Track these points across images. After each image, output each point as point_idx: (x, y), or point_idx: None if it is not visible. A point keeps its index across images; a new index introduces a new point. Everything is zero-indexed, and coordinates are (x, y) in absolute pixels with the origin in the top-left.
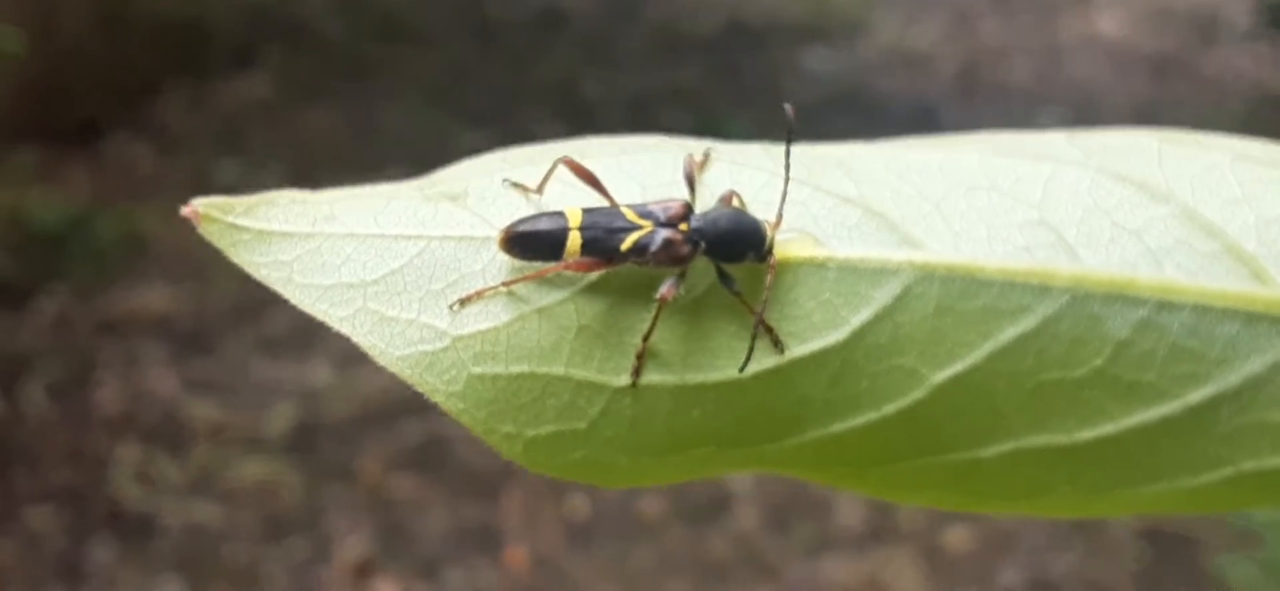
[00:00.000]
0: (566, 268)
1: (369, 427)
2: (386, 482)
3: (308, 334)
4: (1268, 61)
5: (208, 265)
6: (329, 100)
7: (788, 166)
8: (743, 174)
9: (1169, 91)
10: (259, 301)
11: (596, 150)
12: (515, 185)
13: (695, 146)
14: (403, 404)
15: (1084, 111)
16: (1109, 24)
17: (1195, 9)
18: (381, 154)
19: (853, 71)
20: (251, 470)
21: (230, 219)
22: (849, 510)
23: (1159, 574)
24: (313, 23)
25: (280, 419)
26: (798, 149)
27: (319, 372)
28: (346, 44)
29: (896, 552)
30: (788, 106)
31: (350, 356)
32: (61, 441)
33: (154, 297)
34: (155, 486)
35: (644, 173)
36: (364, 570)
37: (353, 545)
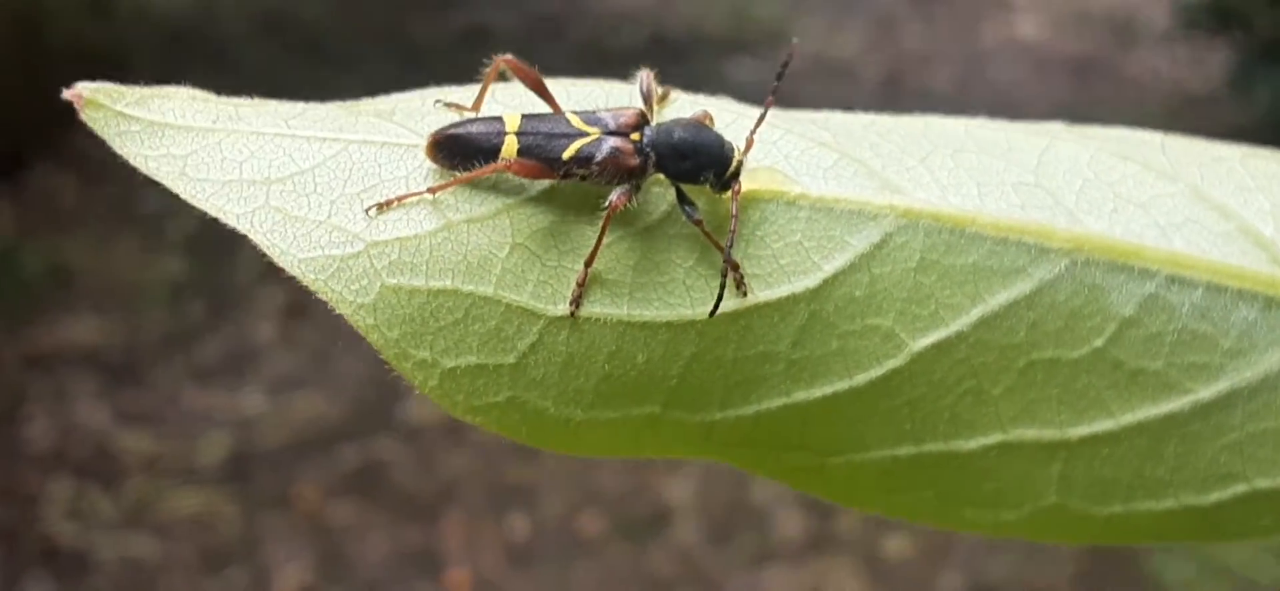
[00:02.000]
0: (500, 169)
1: (305, 454)
2: (324, 509)
3: (240, 361)
4: (1186, 62)
5: (136, 295)
6: None
7: (769, 100)
8: (708, 108)
9: (1090, 93)
10: (190, 330)
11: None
12: (449, 104)
13: (650, 72)
14: (339, 429)
15: (1007, 115)
16: (1029, 28)
17: (1113, 11)
18: None
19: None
20: (187, 501)
21: (119, 107)
22: (789, 521)
23: (1098, 577)
24: (232, 47)
25: (214, 448)
26: (768, 110)
27: (252, 400)
28: (267, 68)
29: (837, 562)
30: (795, 41)
31: (284, 383)
32: None
33: (82, 329)
34: (89, 521)
35: (595, 101)
36: None
37: (292, 574)
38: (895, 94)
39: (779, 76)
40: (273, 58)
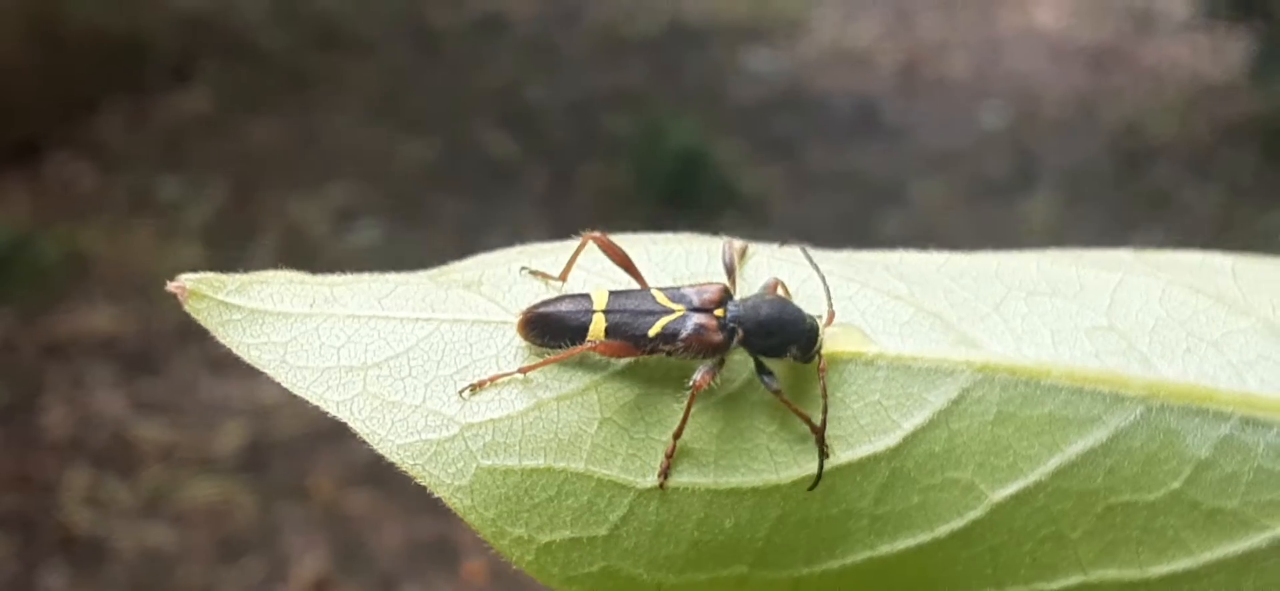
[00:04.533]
0: (588, 349)
1: (321, 444)
2: (341, 499)
3: None
4: (1205, 51)
5: (152, 283)
6: (269, 112)
7: (814, 264)
8: (783, 268)
9: (1107, 82)
10: None
11: (626, 242)
12: (535, 272)
13: (731, 241)
14: None
15: (1024, 104)
16: (1047, 16)
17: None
18: (324, 164)
19: (793, 71)
20: (203, 490)
21: (221, 296)
22: None
23: None
24: (250, 35)
25: (231, 438)
26: (840, 254)
27: (269, 390)
28: (285, 55)
29: None
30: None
31: None
32: (9, 467)
33: (99, 318)
34: (106, 510)
35: (676, 262)
36: (321, 588)
37: (309, 563)
38: (912, 84)
39: (818, 268)
40: (289, 46)
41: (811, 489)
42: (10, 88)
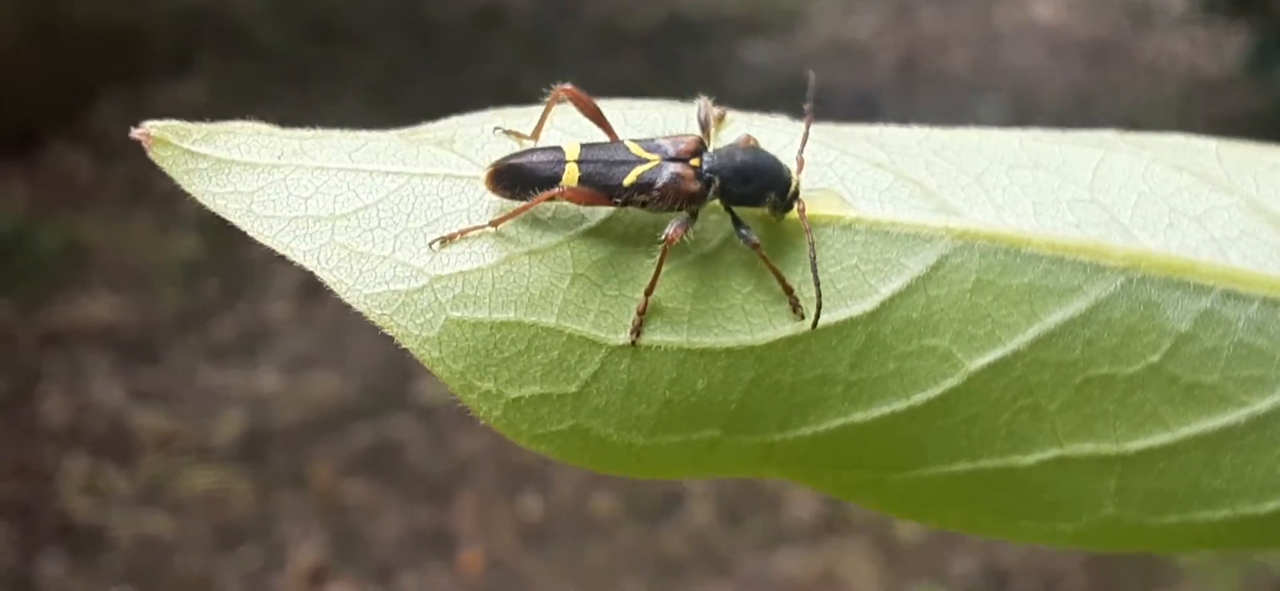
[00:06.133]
0: (559, 196)
1: (319, 433)
2: (338, 488)
3: (254, 340)
4: (1203, 46)
5: (151, 273)
6: (267, 105)
7: (807, 115)
8: (762, 133)
9: (1106, 77)
10: (205, 308)
11: (602, 106)
12: (508, 131)
13: (707, 100)
14: (353, 409)
15: (1023, 99)
16: (1045, 11)
17: None
18: None
19: (792, 63)
20: (201, 479)
21: (187, 144)
22: (802, 503)
23: (1110, 560)
24: (248, 26)
25: (229, 426)
26: (820, 125)
27: (267, 379)
28: (283, 47)
29: (850, 544)
30: (811, 74)
31: (298, 361)
32: (8, 455)
33: (97, 307)
34: (104, 498)
35: (653, 125)
36: (318, 577)
37: (306, 552)
38: (911, 77)
39: (808, 104)
40: (288, 38)
41: (814, 327)
42: (9, 78)
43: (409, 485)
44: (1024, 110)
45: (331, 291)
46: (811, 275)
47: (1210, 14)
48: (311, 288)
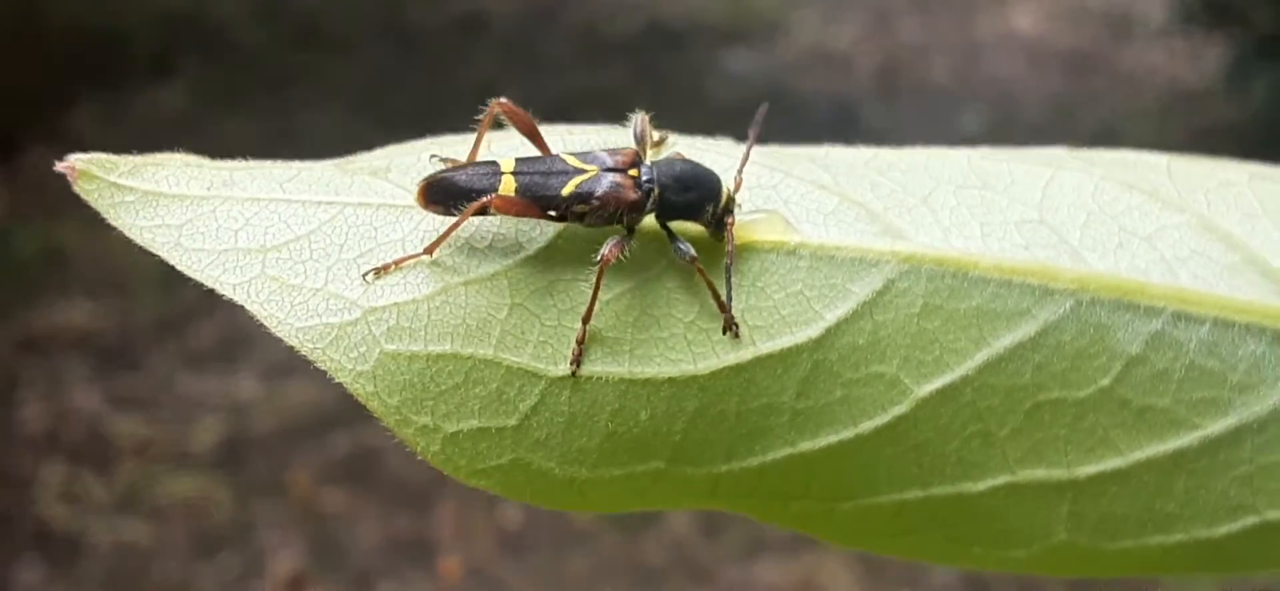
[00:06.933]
0: (492, 205)
1: (298, 440)
2: (317, 495)
3: (233, 347)
4: (1182, 57)
5: (130, 279)
6: (247, 110)
7: (750, 138)
8: (705, 155)
9: (1085, 87)
10: (183, 314)
11: (542, 131)
12: (443, 160)
13: (644, 115)
14: (332, 416)
15: (1003, 109)
16: (1025, 21)
17: (1110, 6)
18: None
19: (772, 72)
20: (180, 486)
21: (112, 177)
22: None
23: None
24: (229, 31)
25: (207, 433)
26: (764, 147)
27: (245, 385)
28: (264, 52)
29: (829, 554)
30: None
31: (277, 368)
32: None
33: (76, 313)
34: (82, 505)
35: (592, 144)
36: (297, 584)
37: (285, 559)
38: (891, 87)
39: (753, 128)
40: (270, 42)
41: (726, 331)
42: None
43: (388, 492)
44: (1004, 120)
45: None
46: (725, 287)
47: (1189, 25)
48: None
